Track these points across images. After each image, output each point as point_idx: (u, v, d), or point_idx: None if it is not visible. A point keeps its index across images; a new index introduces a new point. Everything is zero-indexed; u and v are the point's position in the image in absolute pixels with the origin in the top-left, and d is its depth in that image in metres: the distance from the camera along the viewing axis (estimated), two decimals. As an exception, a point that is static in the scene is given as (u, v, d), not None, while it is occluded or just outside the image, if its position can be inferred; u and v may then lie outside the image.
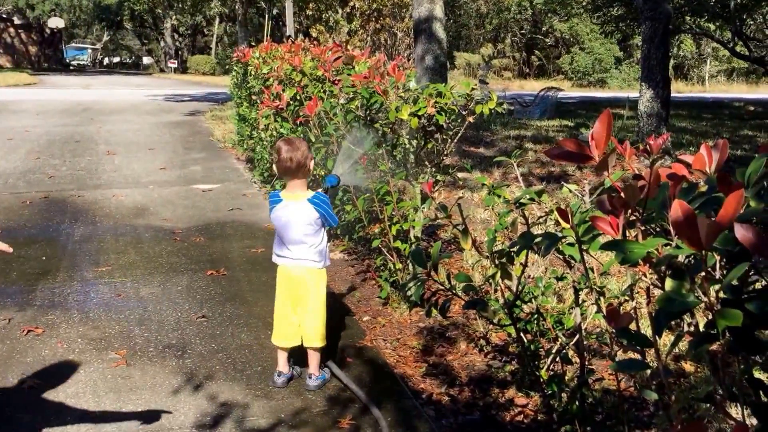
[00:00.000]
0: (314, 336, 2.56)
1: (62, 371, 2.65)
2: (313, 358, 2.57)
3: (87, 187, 6.03)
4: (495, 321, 1.98)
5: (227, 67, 25.49)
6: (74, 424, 2.29)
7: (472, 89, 3.45)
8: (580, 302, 1.84)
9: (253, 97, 6.36)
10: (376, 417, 2.32)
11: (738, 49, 18.08)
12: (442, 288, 1.65)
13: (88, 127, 9.90)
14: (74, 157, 7.48)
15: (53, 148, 8.02)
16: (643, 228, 1.24)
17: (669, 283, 1.08)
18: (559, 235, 1.55)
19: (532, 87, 22.72)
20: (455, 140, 3.50)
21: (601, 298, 1.78)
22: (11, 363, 2.71)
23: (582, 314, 1.88)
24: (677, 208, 1.03)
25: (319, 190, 2.61)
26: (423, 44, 8.11)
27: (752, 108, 15.24)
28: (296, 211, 2.47)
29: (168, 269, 3.90)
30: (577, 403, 1.72)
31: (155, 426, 2.29)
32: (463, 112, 3.40)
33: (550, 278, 2.42)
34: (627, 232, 1.21)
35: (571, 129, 10.87)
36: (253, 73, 6.29)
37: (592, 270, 1.79)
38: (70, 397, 2.47)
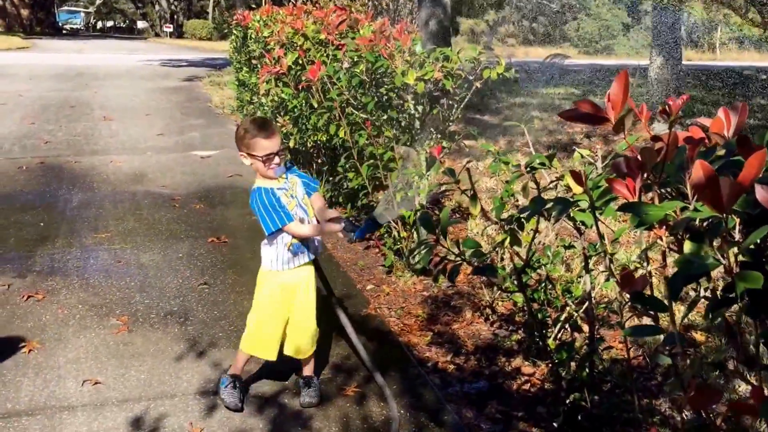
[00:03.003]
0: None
1: (63, 336, 2.64)
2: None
3: (84, 152, 5.94)
4: (503, 287, 1.94)
5: (224, 32, 24.91)
6: (76, 389, 2.28)
7: (480, 53, 3.34)
8: (590, 270, 1.80)
9: (254, 62, 6.20)
10: (380, 385, 2.30)
11: (750, 16, 17.62)
12: (450, 254, 1.60)
13: (83, 92, 9.72)
14: (70, 122, 7.35)
15: (48, 113, 7.88)
16: (659, 191, 1.18)
17: (688, 246, 1.04)
18: (572, 200, 1.50)
19: (538, 54, 22.26)
20: (461, 106, 3.40)
21: (613, 264, 1.73)
22: (11, 328, 2.69)
23: (591, 282, 1.84)
24: (699, 169, 0.98)
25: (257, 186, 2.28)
26: (427, 8, 7.89)
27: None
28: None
29: (168, 236, 3.86)
30: (586, 370, 1.69)
31: (158, 392, 2.28)
32: (471, 77, 3.30)
33: (558, 246, 2.38)
34: (642, 195, 1.16)
35: (578, 97, 10.68)
36: (253, 36, 6.12)
37: (603, 238, 1.74)
38: (71, 362, 2.45)
